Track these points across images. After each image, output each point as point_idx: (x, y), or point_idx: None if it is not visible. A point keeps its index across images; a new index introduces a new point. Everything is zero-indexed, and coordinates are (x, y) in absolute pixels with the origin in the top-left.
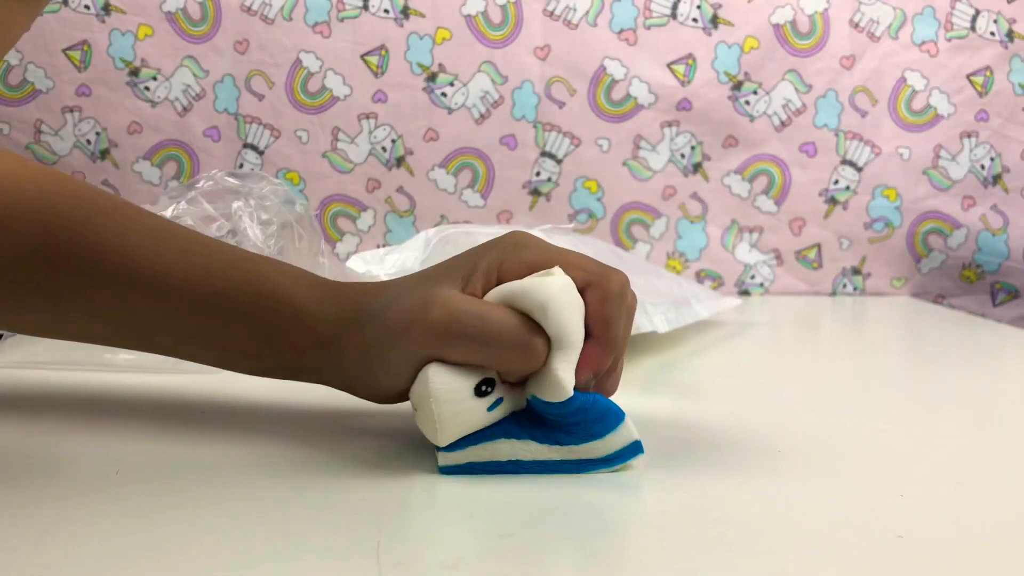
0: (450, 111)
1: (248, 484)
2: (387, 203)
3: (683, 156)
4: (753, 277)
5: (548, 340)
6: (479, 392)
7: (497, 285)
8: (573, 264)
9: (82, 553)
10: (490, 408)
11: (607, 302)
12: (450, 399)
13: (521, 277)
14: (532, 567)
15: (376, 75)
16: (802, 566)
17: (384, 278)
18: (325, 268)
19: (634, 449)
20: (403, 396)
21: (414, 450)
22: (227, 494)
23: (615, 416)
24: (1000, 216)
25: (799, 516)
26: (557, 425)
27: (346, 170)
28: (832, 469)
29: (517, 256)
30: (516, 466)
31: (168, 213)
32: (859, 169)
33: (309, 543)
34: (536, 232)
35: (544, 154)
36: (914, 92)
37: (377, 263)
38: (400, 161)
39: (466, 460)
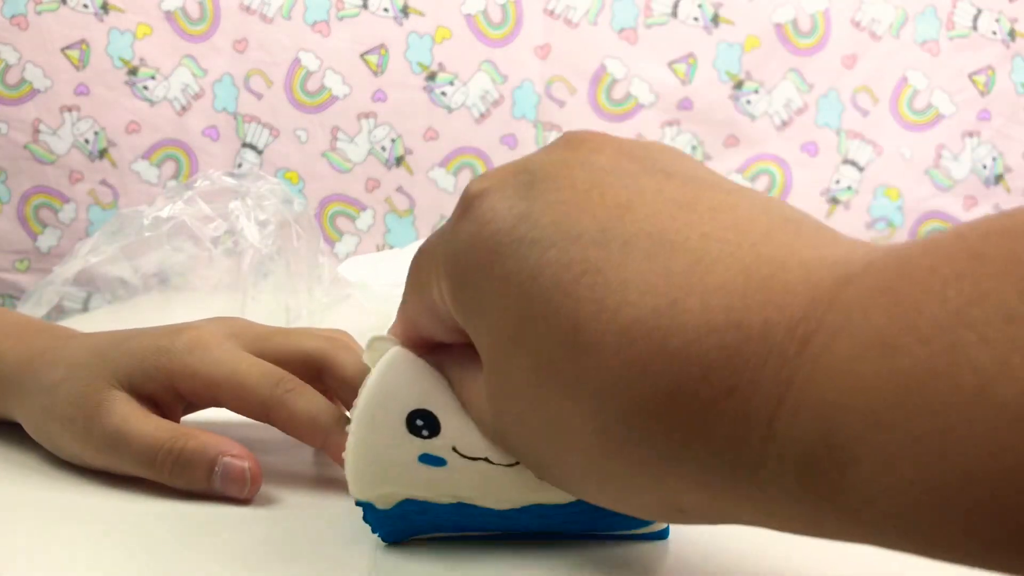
0: (450, 110)
1: None
2: (387, 203)
3: None
4: None
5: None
6: (412, 427)
7: (174, 390)
8: (244, 382)
9: (83, 553)
10: (423, 459)
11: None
12: (373, 420)
13: (196, 393)
14: (533, 566)
15: (376, 74)
16: (803, 565)
17: (378, 288)
18: (324, 268)
19: (662, 533)
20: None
21: None
22: (224, 502)
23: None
24: None
25: None
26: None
27: (345, 170)
28: None
29: (190, 368)
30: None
31: (165, 213)
32: (861, 169)
33: (306, 549)
34: None
35: None
36: (916, 91)
37: (370, 271)
38: (400, 160)
39: (432, 538)
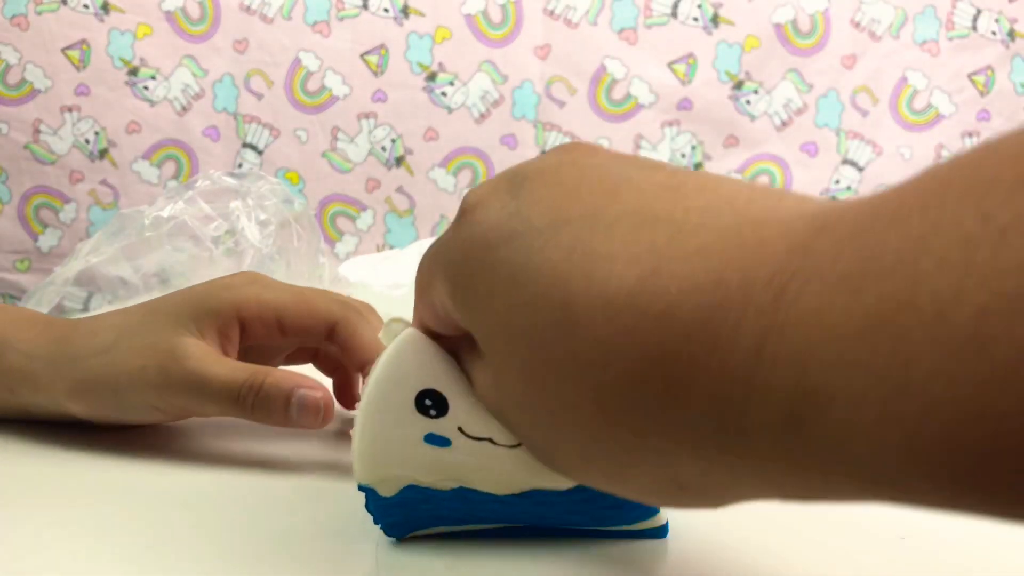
0: (450, 110)
1: (246, 485)
2: (387, 203)
3: (684, 156)
4: None
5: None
6: (420, 406)
7: (240, 322)
8: (313, 302)
9: (83, 550)
10: (428, 439)
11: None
12: (382, 396)
13: (261, 319)
14: (533, 565)
15: (376, 74)
16: (803, 567)
17: (378, 288)
18: (325, 267)
19: (661, 531)
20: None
21: None
22: (225, 496)
23: (651, 511)
24: None
25: (800, 516)
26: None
27: (345, 170)
28: None
29: (255, 296)
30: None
31: (165, 213)
32: (860, 169)
33: (307, 546)
34: None
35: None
36: (915, 91)
37: (371, 271)
38: (400, 161)
39: (435, 533)
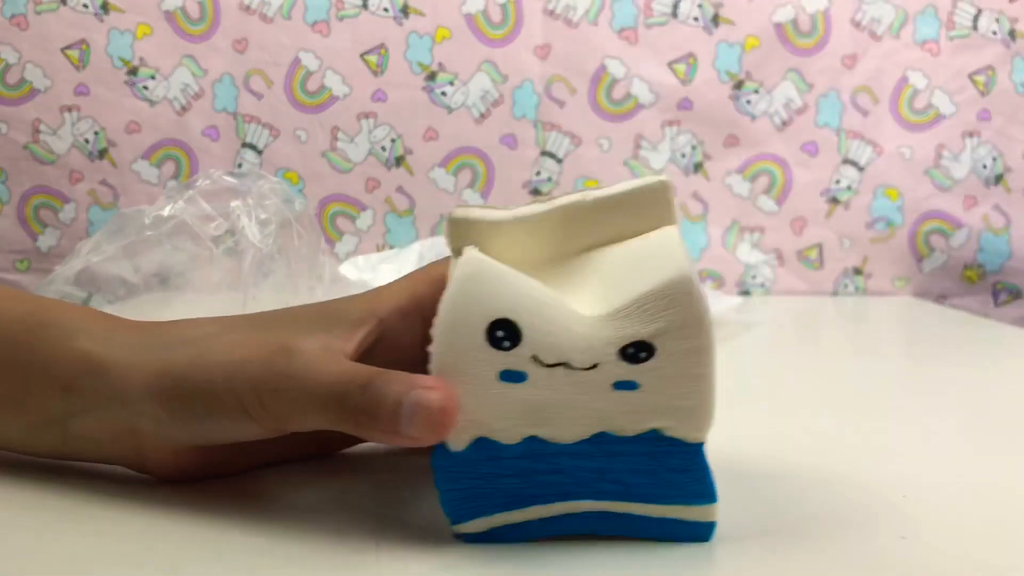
0: (450, 110)
1: (248, 486)
2: (387, 203)
3: (684, 156)
4: (754, 277)
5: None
6: (493, 339)
7: (377, 331)
8: (436, 267)
9: (81, 556)
10: (503, 377)
11: None
12: (453, 337)
13: (402, 309)
14: (535, 564)
15: (376, 74)
16: (803, 567)
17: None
18: (326, 267)
19: (706, 530)
20: (199, 466)
21: (417, 451)
22: (227, 495)
23: (710, 492)
24: (1002, 216)
25: (799, 517)
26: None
27: (345, 170)
28: (833, 469)
29: (382, 291)
30: (563, 524)
31: (166, 212)
32: (860, 169)
33: (308, 545)
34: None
35: (544, 153)
36: (916, 91)
37: (370, 271)
38: (400, 161)
39: (491, 526)
